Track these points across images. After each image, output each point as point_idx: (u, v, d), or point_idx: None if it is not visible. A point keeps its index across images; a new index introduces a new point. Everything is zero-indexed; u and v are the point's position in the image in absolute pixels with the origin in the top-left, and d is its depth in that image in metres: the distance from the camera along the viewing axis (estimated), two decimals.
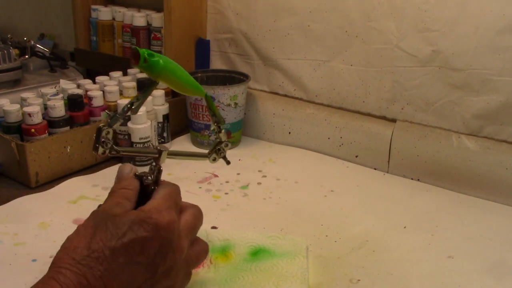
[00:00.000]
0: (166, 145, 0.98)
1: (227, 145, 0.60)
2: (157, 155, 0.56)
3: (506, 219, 0.77)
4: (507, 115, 0.80)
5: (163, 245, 0.46)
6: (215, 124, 0.59)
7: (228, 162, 0.62)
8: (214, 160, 0.61)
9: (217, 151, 0.60)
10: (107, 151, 0.53)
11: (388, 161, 0.91)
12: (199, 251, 0.53)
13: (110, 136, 0.53)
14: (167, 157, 0.56)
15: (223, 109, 0.96)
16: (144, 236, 0.44)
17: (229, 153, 1.00)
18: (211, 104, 0.58)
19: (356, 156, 0.95)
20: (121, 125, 0.55)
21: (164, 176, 0.86)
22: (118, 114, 0.53)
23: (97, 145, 0.52)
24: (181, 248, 0.48)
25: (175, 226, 0.48)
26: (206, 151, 0.61)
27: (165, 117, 0.97)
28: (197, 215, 0.53)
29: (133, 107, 0.52)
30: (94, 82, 1.03)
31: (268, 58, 1.03)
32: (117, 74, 1.06)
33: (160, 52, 1.09)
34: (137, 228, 0.45)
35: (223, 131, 0.60)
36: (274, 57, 1.02)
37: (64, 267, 0.41)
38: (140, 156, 0.57)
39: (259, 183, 0.86)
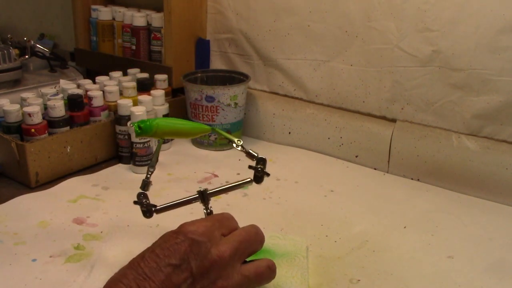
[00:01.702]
0: (166, 145, 0.98)
1: (262, 162, 0.60)
2: (199, 200, 0.59)
3: (506, 219, 0.77)
4: (507, 115, 0.80)
5: (193, 245, 0.48)
6: (237, 147, 0.60)
7: (267, 174, 0.61)
8: (261, 179, 0.60)
9: (257, 170, 0.60)
10: (151, 211, 0.60)
11: (388, 161, 0.91)
12: (258, 264, 0.53)
13: (145, 199, 0.60)
14: (212, 196, 0.60)
15: (223, 109, 0.96)
16: (174, 242, 0.49)
17: (229, 153, 1.00)
18: (221, 133, 0.62)
19: (356, 156, 0.95)
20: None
21: (164, 176, 0.87)
22: (146, 179, 0.60)
23: (143, 209, 0.60)
24: (220, 251, 0.49)
25: (206, 231, 0.50)
26: (246, 178, 0.60)
27: (165, 117, 0.97)
28: (250, 231, 0.54)
29: (149, 169, 0.61)
30: (94, 82, 1.03)
31: (268, 58, 1.03)
32: (117, 74, 1.06)
33: (160, 52, 1.09)
34: (168, 238, 0.49)
35: (250, 150, 0.60)
36: (274, 57, 1.02)
37: (108, 281, 0.47)
38: (181, 205, 0.61)
39: None
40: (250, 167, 0.60)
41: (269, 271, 0.54)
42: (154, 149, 0.89)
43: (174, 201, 0.60)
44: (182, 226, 0.50)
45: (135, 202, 0.60)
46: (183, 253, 0.48)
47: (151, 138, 0.58)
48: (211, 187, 0.87)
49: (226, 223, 0.54)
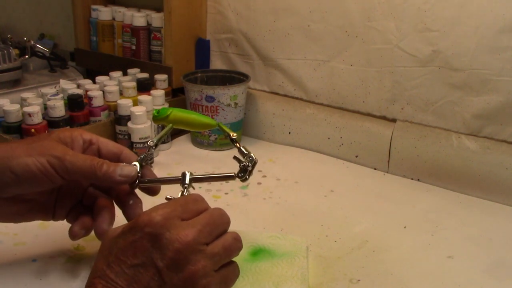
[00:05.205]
0: (166, 145, 0.98)
1: (250, 160, 0.59)
2: (179, 181, 0.60)
3: (506, 219, 0.77)
4: (507, 115, 0.80)
5: (153, 239, 0.46)
6: (232, 142, 0.62)
7: (250, 173, 0.60)
8: (243, 177, 0.59)
9: (244, 168, 0.59)
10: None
11: (388, 161, 0.91)
12: (223, 238, 0.50)
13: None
14: (193, 182, 0.60)
15: (223, 109, 0.96)
16: (132, 240, 0.47)
17: (229, 153, 1.00)
18: (222, 128, 0.64)
19: (356, 156, 0.95)
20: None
21: (163, 176, 0.87)
22: (145, 154, 0.61)
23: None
24: (181, 236, 0.47)
25: (163, 220, 0.47)
26: (230, 171, 0.60)
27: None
28: (213, 213, 0.51)
29: (152, 143, 0.62)
30: (94, 82, 1.03)
31: (268, 58, 1.03)
32: (117, 74, 1.06)
33: (160, 52, 1.09)
34: (126, 236, 0.47)
35: (242, 148, 0.60)
36: (274, 57, 1.02)
37: None
38: (164, 183, 0.62)
39: (259, 183, 0.86)
40: (235, 157, 0.60)
41: (236, 242, 0.52)
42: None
43: (158, 178, 0.62)
44: (138, 219, 0.48)
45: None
46: (144, 251, 0.46)
47: (163, 123, 0.63)
48: (211, 187, 0.88)
49: (190, 206, 0.51)
